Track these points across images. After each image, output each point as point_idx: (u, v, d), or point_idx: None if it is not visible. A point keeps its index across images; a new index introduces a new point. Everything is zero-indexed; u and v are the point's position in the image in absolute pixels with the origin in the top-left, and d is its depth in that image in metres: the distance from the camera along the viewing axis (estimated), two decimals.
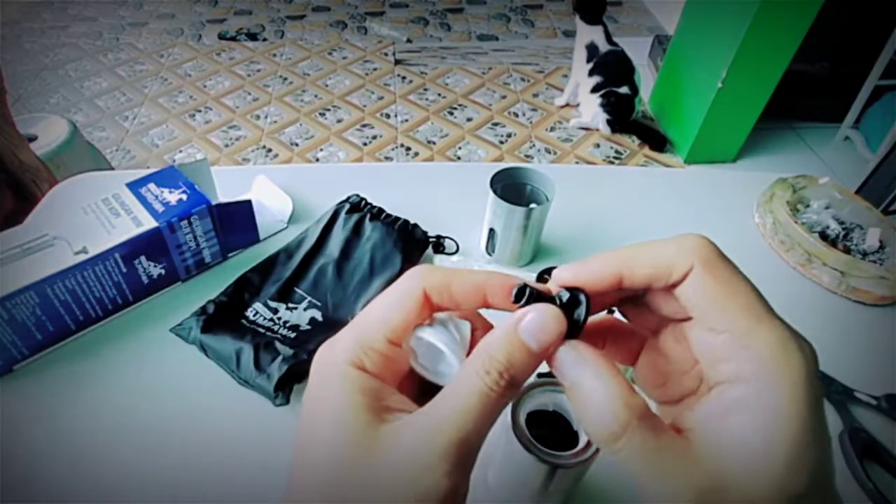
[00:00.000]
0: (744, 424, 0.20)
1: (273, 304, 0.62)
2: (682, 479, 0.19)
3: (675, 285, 0.22)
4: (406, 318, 0.23)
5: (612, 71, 2.18)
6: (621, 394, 0.20)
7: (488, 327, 0.25)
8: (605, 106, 2.21)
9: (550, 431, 0.41)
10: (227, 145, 2.22)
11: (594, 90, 2.22)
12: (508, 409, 0.40)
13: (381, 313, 0.23)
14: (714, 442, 0.20)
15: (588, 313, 0.22)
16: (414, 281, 0.23)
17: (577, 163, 2.19)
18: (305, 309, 0.62)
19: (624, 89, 2.18)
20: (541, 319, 0.22)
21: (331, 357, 0.23)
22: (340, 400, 0.21)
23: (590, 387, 0.21)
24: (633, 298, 0.25)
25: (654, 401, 0.25)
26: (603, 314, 0.26)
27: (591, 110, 2.26)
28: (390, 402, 0.22)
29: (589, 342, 0.22)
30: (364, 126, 2.32)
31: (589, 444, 0.39)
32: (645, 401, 0.21)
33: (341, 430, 0.21)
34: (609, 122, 2.25)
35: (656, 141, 2.25)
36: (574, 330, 0.22)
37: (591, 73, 2.21)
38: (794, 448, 0.19)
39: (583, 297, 0.22)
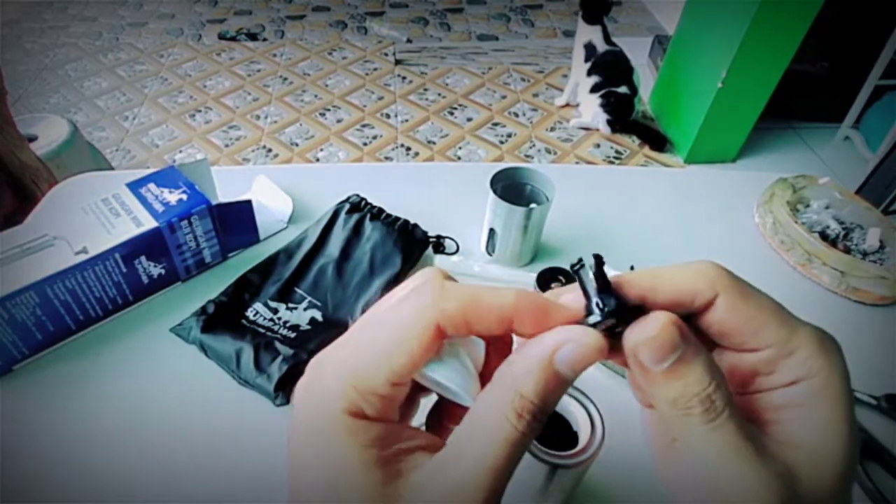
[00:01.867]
0: (806, 420, 0.20)
1: (273, 304, 0.62)
2: (771, 465, 0.19)
3: (696, 314, 0.21)
4: (413, 359, 0.20)
5: (611, 71, 2.18)
6: (716, 369, 0.20)
7: (505, 343, 0.23)
8: (605, 106, 2.21)
9: (550, 432, 0.41)
10: (227, 145, 2.22)
11: (593, 90, 2.22)
12: None
13: (383, 350, 0.20)
14: (774, 441, 0.20)
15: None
16: (425, 314, 0.20)
17: (577, 163, 2.19)
18: (305, 309, 0.62)
19: (623, 89, 2.18)
20: (581, 350, 0.19)
21: (324, 402, 0.20)
22: (345, 458, 0.19)
23: (690, 362, 0.19)
24: None
25: None
26: None
27: (591, 110, 2.26)
28: (401, 444, 0.20)
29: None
30: (364, 126, 2.32)
31: (589, 444, 0.39)
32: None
33: (353, 489, 0.18)
34: (609, 122, 2.25)
35: (656, 141, 2.25)
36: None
37: (589, 73, 2.21)
38: (848, 447, 0.19)
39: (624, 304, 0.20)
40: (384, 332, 0.20)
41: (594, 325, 0.20)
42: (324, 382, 0.20)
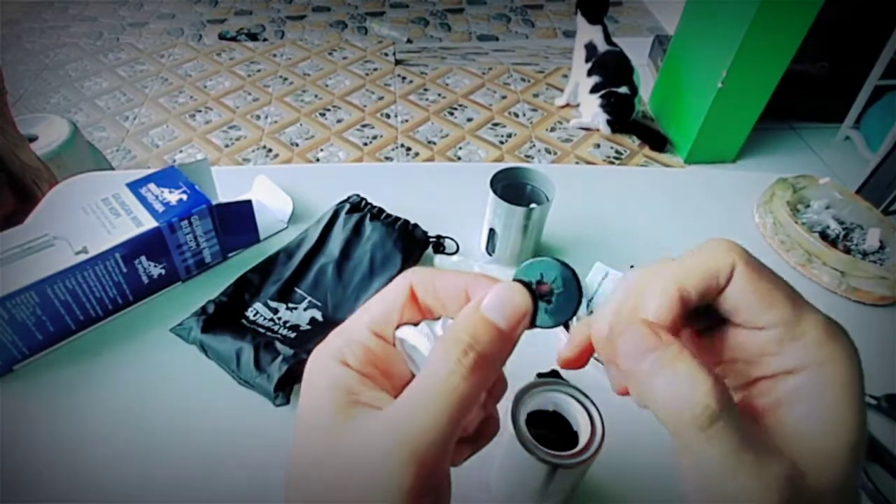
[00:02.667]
0: (807, 413, 0.20)
1: (273, 304, 0.62)
2: (774, 468, 0.18)
3: (719, 291, 0.22)
4: (389, 309, 0.23)
5: (611, 71, 2.18)
6: (711, 378, 0.19)
7: None
8: (605, 106, 2.21)
9: (550, 431, 0.41)
10: (227, 145, 2.22)
11: (593, 90, 2.22)
12: (509, 409, 0.40)
13: (367, 305, 0.24)
14: (780, 433, 0.20)
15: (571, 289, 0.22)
16: (402, 277, 0.24)
17: (577, 163, 2.19)
18: (305, 309, 0.62)
19: (623, 89, 2.18)
20: (505, 295, 0.21)
21: (317, 354, 0.23)
22: (317, 396, 0.21)
23: (675, 371, 0.19)
24: None
25: None
26: None
27: (591, 110, 2.26)
28: (363, 397, 0.21)
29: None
30: (364, 126, 2.32)
31: (589, 444, 0.39)
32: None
33: (313, 427, 0.21)
34: (609, 123, 2.25)
35: (656, 141, 2.25)
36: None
37: (589, 73, 2.21)
38: (855, 436, 0.19)
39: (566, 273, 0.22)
40: (371, 300, 0.24)
41: None
42: (324, 344, 0.23)
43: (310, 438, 0.21)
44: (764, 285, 0.21)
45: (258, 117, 2.35)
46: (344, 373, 0.22)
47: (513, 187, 0.69)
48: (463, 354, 0.19)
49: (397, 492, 0.18)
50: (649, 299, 0.22)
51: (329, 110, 2.40)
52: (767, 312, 0.21)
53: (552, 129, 2.33)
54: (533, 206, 0.65)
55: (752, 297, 0.21)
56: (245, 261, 0.67)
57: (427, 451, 0.18)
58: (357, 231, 0.68)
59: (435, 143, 2.25)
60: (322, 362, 0.23)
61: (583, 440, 0.40)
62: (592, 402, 0.41)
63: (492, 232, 0.68)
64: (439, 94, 2.50)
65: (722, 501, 0.19)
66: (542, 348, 0.40)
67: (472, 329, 0.20)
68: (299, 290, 0.64)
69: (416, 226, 0.69)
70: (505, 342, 0.21)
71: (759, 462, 0.18)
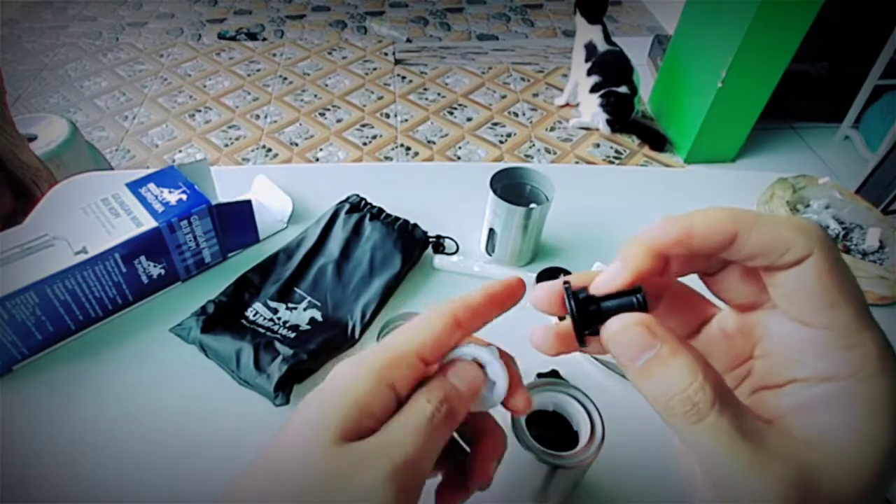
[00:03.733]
0: (835, 423, 0.19)
1: (273, 304, 0.62)
2: (775, 466, 0.18)
3: (776, 268, 0.20)
4: (435, 334, 0.24)
5: (611, 70, 2.18)
6: (702, 373, 0.19)
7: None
8: (605, 106, 2.21)
9: (550, 431, 0.41)
10: (227, 145, 2.22)
11: (593, 90, 2.22)
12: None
13: (407, 333, 0.24)
14: (801, 436, 0.19)
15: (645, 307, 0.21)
16: (442, 308, 0.25)
17: (576, 163, 2.19)
18: (305, 309, 0.62)
19: (623, 89, 2.18)
20: (464, 375, 0.24)
21: (353, 362, 0.24)
22: (330, 404, 0.22)
23: (667, 369, 0.19)
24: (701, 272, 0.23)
25: None
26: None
27: (591, 110, 2.26)
28: (373, 424, 0.22)
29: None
30: (364, 126, 2.32)
31: (589, 444, 0.39)
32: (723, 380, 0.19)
33: (309, 434, 0.22)
34: (609, 122, 2.25)
35: (656, 141, 2.25)
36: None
37: (589, 73, 2.21)
38: (884, 457, 0.18)
39: (638, 299, 0.21)
40: (407, 326, 0.25)
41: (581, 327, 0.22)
42: (360, 357, 0.24)
43: (306, 446, 0.21)
44: (835, 284, 0.19)
45: (258, 117, 2.35)
46: (371, 391, 0.22)
47: (512, 187, 0.69)
48: (440, 404, 0.23)
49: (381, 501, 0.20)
50: (701, 214, 0.21)
51: (329, 110, 2.40)
52: (827, 312, 0.19)
53: (552, 129, 2.33)
54: (533, 205, 0.65)
55: (817, 290, 0.19)
56: (245, 261, 0.67)
57: (415, 476, 0.21)
58: (357, 231, 0.68)
59: (434, 143, 2.25)
60: (354, 371, 0.23)
61: (583, 440, 0.40)
62: (592, 401, 0.41)
63: (491, 232, 0.68)
64: (439, 94, 2.50)
65: (725, 496, 0.19)
66: None
67: (443, 390, 0.24)
68: (299, 290, 0.64)
69: (415, 226, 0.69)
70: (469, 400, 0.24)
71: (759, 456, 0.18)
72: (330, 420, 0.21)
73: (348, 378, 0.23)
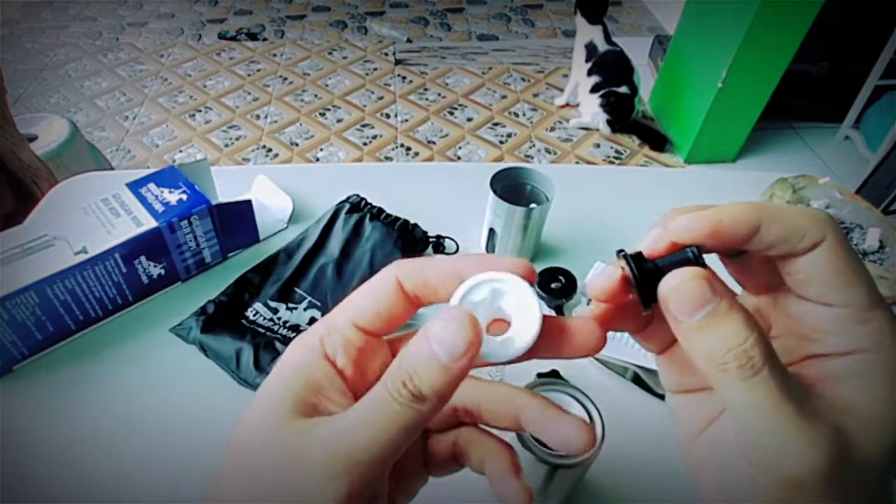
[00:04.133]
0: (862, 391, 0.20)
1: (273, 304, 0.62)
2: (819, 426, 0.18)
3: (793, 254, 0.21)
4: (375, 301, 0.23)
5: (611, 70, 2.18)
6: (756, 333, 0.19)
7: None
8: (605, 106, 2.21)
9: None
10: (227, 145, 2.22)
11: (593, 90, 2.22)
12: None
13: (351, 298, 0.24)
14: (829, 403, 0.20)
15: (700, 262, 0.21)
16: (386, 271, 0.23)
17: (577, 163, 2.19)
18: (305, 309, 0.62)
19: (623, 89, 2.18)
20: (448, 327, 0.19)
21: (298, 342, 0.23)
22: (283, 383, 0.22)
23: (725, 317, 0.19)
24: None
25: None
26: None
27: (591, 110, 2.26)
28: (327, 401, 0.22)
29: (626, 327, 0.23)
30: (364, 126, 2.32)
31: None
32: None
33: (265, 414, 0.21)
34: (609, 122, 2.24)
35: (656, 141, 2.25)
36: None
37: (589, 73, 2.21)
38: None
39: (690, 253, 0.21)
40: (355, 292, 0.24)
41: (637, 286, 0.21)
42: (307, 332, 0.24)
43: (254, 422, 0.21)
44: (847, 263, 0.20)
45: (258, 117, 2.35)
46: (320, 368, 0.22)
47: (513, 187, 0.69)
48: (402, 386, 0.19)
49: (331, 498, 0.19)
50: (726, 208, 0.21)
51: (329, 110, 2.40)
52: (844, 291, 0.20)
53: (552, 129, 2.33)
54: (533, 206, 0.65)
55: (833, 271, 0.20)
56: (245, 261, 0.67)
57: (361, 466, 0.20)
58: (357, 231, 0.68)
59: (435, 143, 2.25)
60: (297, 348, 0.23)
61: None
62: (593, 401, 0.41)
63: (492, 232, 0.68)
64: (439, 94, 2.50)
65: (765, 458, 0.19)
66: None
67: (413, 363, 0.20)
68: (299, 290, 0.64)
69: (415, 226, 0.69)
70: (452, 379, 0.20)
71: (806, 419, 0.18)
72: (283, 394, 0.21)
73: (294, 353, 0.23)
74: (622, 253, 0.22)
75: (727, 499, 0.22)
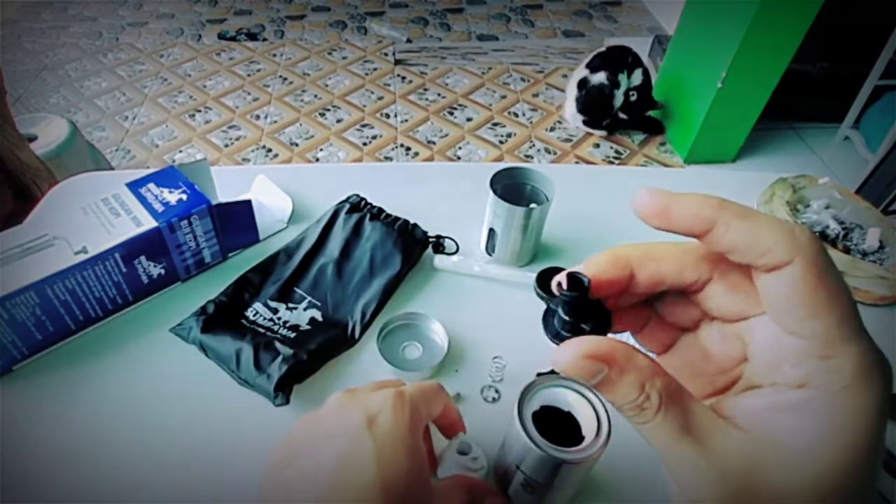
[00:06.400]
0: (793, 428, 0.19)
1: (273, 304, 0.62)
2: (715, 462, 0.19)
3: (756, 268, 0.20)
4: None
5: (606, 58, 2.17)
6: (652, 377, 0.20)
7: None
8: (578, 101, 2.20)
9: (556, 427, 0.41)
10: (227, 145, 2.22)
11: (580, 85, 2.21)
12: (515, 405, 0.41)
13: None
14: (759, 435, 0.20)
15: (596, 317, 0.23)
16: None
17: (576, 163, 2.19)
18: (305, 309, 0.62)
19: (599, 76, 2.14)
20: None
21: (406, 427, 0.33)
22: (412, 429, 0.33)
23: (614, 382, 0.20)
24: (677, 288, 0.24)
25: None
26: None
27: (571, 109, 2.26)
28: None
29: (626, 326, 0.24)
30: (364, 126, 2.32)
31: (595, 439, 0.39)
32: (675, 380, 0.21)
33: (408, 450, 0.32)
34: (585, 123, 2.23)
35: (650, 126, 2.24)
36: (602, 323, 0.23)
37: (589, 66, 2.21)
38: (839, 468, 0.19)
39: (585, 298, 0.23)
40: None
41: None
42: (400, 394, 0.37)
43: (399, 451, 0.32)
44: (819, 294, 0.19)
45: (258, 117, 2.35)
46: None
47: (513, 187, 0.69)
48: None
49: None
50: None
51: (329, 110, 2.40)
52: (808, 322, 0.19)
53: (552, 129, 2.33)
54: (533, 206, 0.65)
55: (798, 299, 0.19)
56: (245, 261, 0.67)
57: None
58: (357, 231, 0.68)
59: (434, 143, 2.25)
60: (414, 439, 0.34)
61: (588, 436, 0.40)
62: (598, 397, 0.41)
63: (491, 232, 0.68)
64: (439, 94, 2.50)
65: (673, 480, 0.21)
66: (542, 347, 0.40)
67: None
68: (299, 290, 0.64)
69: (415, 226, 0.69)
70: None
71: (702, 452, 0.20)
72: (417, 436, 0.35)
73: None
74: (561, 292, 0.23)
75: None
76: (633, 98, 2.19)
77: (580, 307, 0.22)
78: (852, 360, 0.19)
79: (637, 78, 2.17)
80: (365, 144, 2.23)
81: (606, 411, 0.41)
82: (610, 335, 0.22)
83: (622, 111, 2.22)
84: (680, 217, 0.21)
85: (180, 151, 2.19)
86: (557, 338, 0.23)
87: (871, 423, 0.19)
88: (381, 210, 0.70)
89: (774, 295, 0.20)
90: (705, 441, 0.20)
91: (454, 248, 0.72)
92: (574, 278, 0.22)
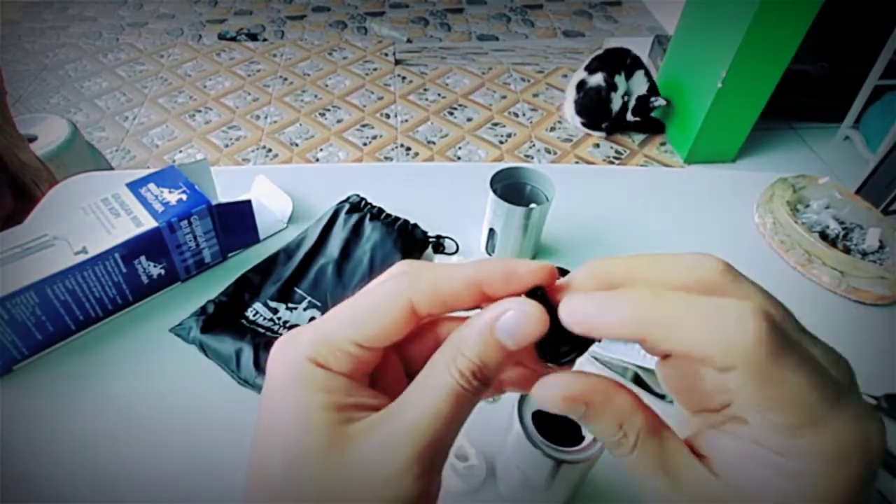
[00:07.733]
0: (771, 485, 0.19)
1: (273, 304, 0.62)
2: (681, 499, 0.20)
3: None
4: (382, 326, 0.21)
5: (605, 59, 2.16)
6: (631, 415, 0.21)
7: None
8: (577, 103, 2.20)
9: (557, 428, 0.41)
10: (227, 145, 2.22)
11: (578, 87, 2.21)
12: (515, 405, 0.41)
13: (354, 314, 0.21)
14: (726, 478, 0.20)
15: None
16: (394, 286, 0.21)
17: (577, 163, 2.19)
18: (305, 309, 0.62)
19: (596, 78, 2.14)
20: (521, 319, 0.20)
21: (291, 353, 0.21)
22: (302, 398, 0.20)
23: (592, 420, 0.21)
24: None
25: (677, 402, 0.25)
26: None
27: (570, 111, 2.26)
28: (358, 399, 0.21)
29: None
30: (364, 126, 2.32)
31: (594, 440, 0.40)
32: (656, 416, 0.21)
33: (302, 430, 0.20)
34: (584, 125, 2.24)
35: (651, 126, 2.24)
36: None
37: (587, 67, 2.21)
38: None
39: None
40: (358, 304, 0.22)
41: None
42: (295, 339, 0.22)
43: (292, 441, 0.20)
44: (771, 390, 0.18)
45: (258, 117, 2.35)
46: (330, 375, 0.21)
47: (512, 187, 0.70)
48: (472, 376, 0.20)
49: (421, 498, 0.20)
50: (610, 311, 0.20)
51: (329, 110, 2.40)
52: (766, 415, 0.18)
53: (552, 129, 2.33)
54: (533, 205, 0.65)
55: (747, 398, 0.18)
56: (245, 261, 0.67)
57: (441, 456, 0.20)
58: (357, 231, 0.68)
59: (435, 143, 2.25)
60: (299, 363, 0.21)
61: (588, 436, 0.40)
62: None
63: (491, 232, 0.68)
64: (439, 94, 2.50)
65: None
66: None
67: (482, 351, 0.20)
68: (299, 290, 0.64)
69: (415, 226, 0.69)
70: (510, 361, 0.21)
71: (672, 487, 0.20)
72: (308, 413, 0.20)
73: (286, 370, 0.21)
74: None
75: None
76: (632, 104, 2.19)
77: (557, 328, 0.21)
78: (829, 442, 0.18)
79: (641, 83, 2.17)
80: (365, 144, 2.23)
81: None
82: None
83: (633, 114, 2.22)
84: (608, 328, 0.20)
85: (180, 151, 2.19)
86: (543, 358, 0.22)
87: (850, 493, 0.18)
88: (381, 210, 0.70)
89: (727, 387, 0.19)
90: (678, 479, 0.20)
91: (454, 248, 0.72)
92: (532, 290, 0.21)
